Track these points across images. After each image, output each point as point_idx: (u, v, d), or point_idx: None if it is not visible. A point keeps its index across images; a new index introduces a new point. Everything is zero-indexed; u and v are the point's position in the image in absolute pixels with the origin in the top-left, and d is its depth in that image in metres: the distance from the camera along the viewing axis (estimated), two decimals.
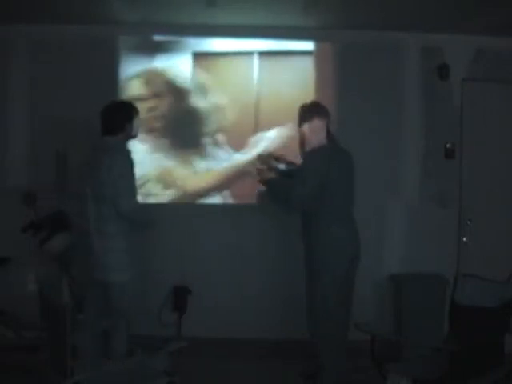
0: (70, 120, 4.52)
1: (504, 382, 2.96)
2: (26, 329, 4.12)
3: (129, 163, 3.40)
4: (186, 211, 4.63)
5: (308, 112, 3.77)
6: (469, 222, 4.66)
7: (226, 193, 4.68)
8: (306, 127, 3.74)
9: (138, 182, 3.57)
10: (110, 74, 4.56)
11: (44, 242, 4.13)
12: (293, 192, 3.59)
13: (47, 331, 2.86)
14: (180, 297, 4.57)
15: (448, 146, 4.66)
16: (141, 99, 4.53)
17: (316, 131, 3.72)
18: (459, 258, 4.65)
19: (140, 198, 3.65)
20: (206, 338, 4.37)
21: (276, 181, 3.84)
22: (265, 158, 4.12)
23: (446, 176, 4.66)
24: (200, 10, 4.14)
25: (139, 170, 3.69)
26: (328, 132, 3.77)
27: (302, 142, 3.81)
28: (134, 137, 3.60)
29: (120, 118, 3.47)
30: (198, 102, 4.64)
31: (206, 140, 4.65)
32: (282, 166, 4.10)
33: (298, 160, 3.89)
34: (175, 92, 4.64)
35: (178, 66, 4.62)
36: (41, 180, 4.51)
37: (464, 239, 4.66)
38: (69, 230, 4.21)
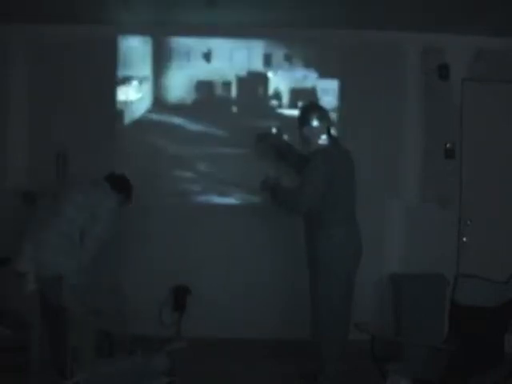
0: (70, 120, 4.53)
1: (504, 381, 2.96)
2: (25, 329, 4.11)
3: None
4: (187, 212, 4.63)
5: (308, 113, 3.77)
6: (469, 222, 4.65)
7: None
8: (306, 129, 3.75)
9: None
10: (110, 75, 4.56)
11: None
12: (297, 194, 3.58)
13: (47, 331, 2.86)
14: (180, 297, 4.57)
15: (448, 145, 4.65)
16: None
17: (317, 133, 3.72)
18: (459, 258, 4.65)
19: None
20: (206, 338, 4.36)
21: (279, 185, 3.83)
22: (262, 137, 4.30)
23: (446, 176, 4.66)
24: (200, 9, 4.13)
25: None
26: (329, 133, 3.77)
27: (304, 143, 3.81)
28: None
29: None
30: None
31: None
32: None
33: None
34: None
35: None
36: (41, 180, 4.51)
37: (464, 239, 4.66)
38: None
